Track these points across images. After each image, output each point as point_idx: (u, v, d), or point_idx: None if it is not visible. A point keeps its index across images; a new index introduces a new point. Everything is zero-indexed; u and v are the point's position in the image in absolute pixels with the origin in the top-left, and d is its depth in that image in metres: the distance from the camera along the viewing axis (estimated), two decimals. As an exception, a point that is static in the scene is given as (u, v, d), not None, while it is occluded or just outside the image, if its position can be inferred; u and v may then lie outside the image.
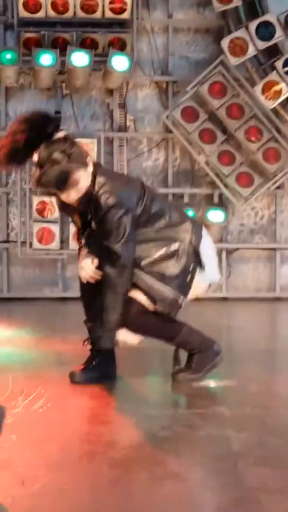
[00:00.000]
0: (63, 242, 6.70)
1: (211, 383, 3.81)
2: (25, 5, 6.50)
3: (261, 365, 4.31)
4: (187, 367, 3.83)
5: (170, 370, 3.84)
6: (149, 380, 3.97)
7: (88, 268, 3.72)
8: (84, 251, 3.79)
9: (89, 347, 3.85)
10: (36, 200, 6.57)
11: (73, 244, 6.56)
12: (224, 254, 6.97)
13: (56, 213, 6.54)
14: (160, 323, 3.74)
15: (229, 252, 7.05)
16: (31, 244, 6.66)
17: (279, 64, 6.52)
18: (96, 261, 3.72)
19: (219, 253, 6.99)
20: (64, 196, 3.68)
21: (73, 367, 3.84)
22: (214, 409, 3.44)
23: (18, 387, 3.47)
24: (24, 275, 6.93)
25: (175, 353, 3.85)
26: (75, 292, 6.82)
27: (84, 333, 3.86)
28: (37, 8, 6.51)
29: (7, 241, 6.87)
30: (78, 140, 3.86)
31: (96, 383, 3.75)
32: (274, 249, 7.07)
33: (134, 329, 3.70)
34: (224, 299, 6.98)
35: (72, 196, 3.67)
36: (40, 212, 6.56)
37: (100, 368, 3.82)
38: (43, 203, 6.56)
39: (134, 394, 3.75)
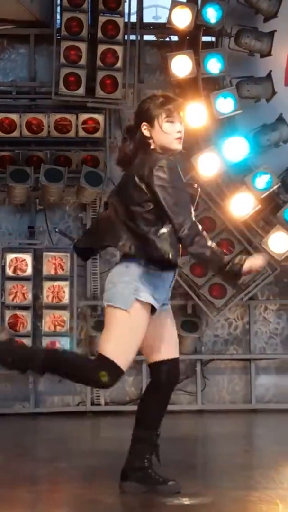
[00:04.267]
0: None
1: (186, 501, 3.69)
2: (0, 125, 6.70)
3: (238, 481, 4.19)
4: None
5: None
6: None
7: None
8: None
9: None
10: (8, 313, 6.55)
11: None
12: (198, 366, 6.92)
13: (28, 327, 6.51)
14: None
15: (204, 363, 7.01)
16: (3, 359, 6.57)
17: (248, 179, 6.72)
18: None
19: (194, 364, 6.98)
20: None
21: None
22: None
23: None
24: (-5, 390, 6.81)
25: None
26: (47, 407, 6.77)
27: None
28: (12, 128, 6.71)
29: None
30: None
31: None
32: (248, 360, 7.05)
33: None
34: (200, 411, 6.88)
35: None
36: (12, 326, 6.53)
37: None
38: (15, 317, 6.55)
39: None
